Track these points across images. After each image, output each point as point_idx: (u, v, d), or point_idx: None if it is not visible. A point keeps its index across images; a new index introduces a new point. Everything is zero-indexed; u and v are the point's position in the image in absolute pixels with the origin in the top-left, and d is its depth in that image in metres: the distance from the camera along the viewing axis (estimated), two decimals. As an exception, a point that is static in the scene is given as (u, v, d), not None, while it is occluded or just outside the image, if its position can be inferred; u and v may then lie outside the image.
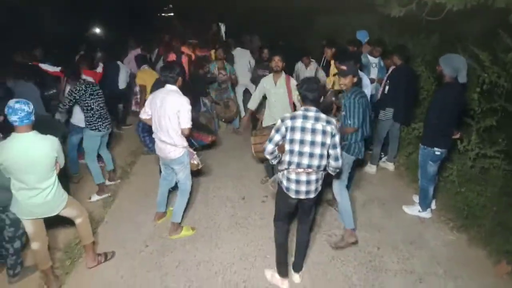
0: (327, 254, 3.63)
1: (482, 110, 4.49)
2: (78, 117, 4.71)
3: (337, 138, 2.85)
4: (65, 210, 3.18)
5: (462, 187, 4.35)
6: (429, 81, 5.33)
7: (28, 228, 3.06)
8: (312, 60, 6.37)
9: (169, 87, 3.61)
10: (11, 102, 2.75)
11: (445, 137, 3.88)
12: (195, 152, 3.88)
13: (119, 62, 6.76)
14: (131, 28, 10.05)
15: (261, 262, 3.56)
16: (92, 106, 4.39)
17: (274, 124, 4.51)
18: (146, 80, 5.52)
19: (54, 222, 3.46)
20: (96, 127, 4.46)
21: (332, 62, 5.56)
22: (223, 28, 7.96)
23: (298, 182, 2.96)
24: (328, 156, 2.93)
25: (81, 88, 4.31)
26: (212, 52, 7.40)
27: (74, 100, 4.35)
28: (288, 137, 2.87)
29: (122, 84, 6.71)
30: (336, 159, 2.92)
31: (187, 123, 3.56)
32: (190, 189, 3.97)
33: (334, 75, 5.03)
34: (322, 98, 2.87)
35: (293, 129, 2.85)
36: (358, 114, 3.55)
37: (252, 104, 4.89)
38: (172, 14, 22.93)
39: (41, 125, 2.96)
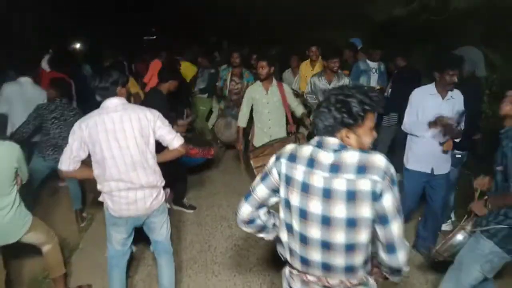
0: None
1: (493, 113, 4.19)
2: None
3: (387, 201, 1.33)
4: (28, 235, 2.60)
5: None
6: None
7: (-19, 259, 2.45)
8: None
9: (113, 101, 2.28)
10: None
11: (465, 138, 3.49)
12: (168, 190, 2.92)
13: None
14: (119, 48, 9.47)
15: (268, 290, 3.02)
16: (50, 132, 3.62)
17: (271, 141, 3.81)
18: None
19: (17, 250, 2.86)
20: (43, 154, 3.63)
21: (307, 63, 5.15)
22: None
23: None
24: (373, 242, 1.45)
25: (49, 106, 3.62)
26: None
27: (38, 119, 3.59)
28: (282, 194, 1.51)
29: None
30: (391, 249, 1.39)
31: (177, 138, 2.41)
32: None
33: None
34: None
35: (288, 181, 1.46)
36: None
37: (242, 120, 4.13)
38: (154, 37, 22.81)
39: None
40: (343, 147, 1.40)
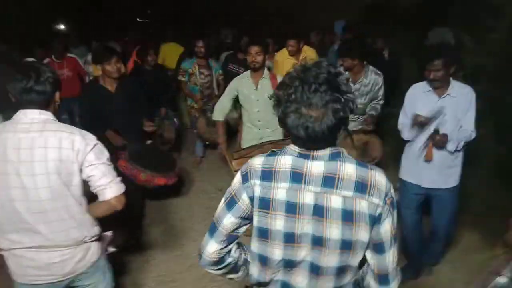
0: None
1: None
2: None
3: (385, 227, 1.14)
4: None
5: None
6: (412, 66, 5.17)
7: None
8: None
9: (31, 115, 1.54)
10: None
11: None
12: (110, 234, 1.89)
13: None
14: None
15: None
16: None
17: (262, 143, 2.99)
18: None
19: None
20: None
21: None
22: None
23: None
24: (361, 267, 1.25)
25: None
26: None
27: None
28: (256, 222, 1.19)
29: None
30: (384, 281, 1.20)
31: (114, 184, 1.62)
32: None
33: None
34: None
35: (266, 205, 1.15)
36: None
37: (219, 113, 3.37)
38: (147, 20, 22.43)
39: None
40: (336, 156, 1.13)
